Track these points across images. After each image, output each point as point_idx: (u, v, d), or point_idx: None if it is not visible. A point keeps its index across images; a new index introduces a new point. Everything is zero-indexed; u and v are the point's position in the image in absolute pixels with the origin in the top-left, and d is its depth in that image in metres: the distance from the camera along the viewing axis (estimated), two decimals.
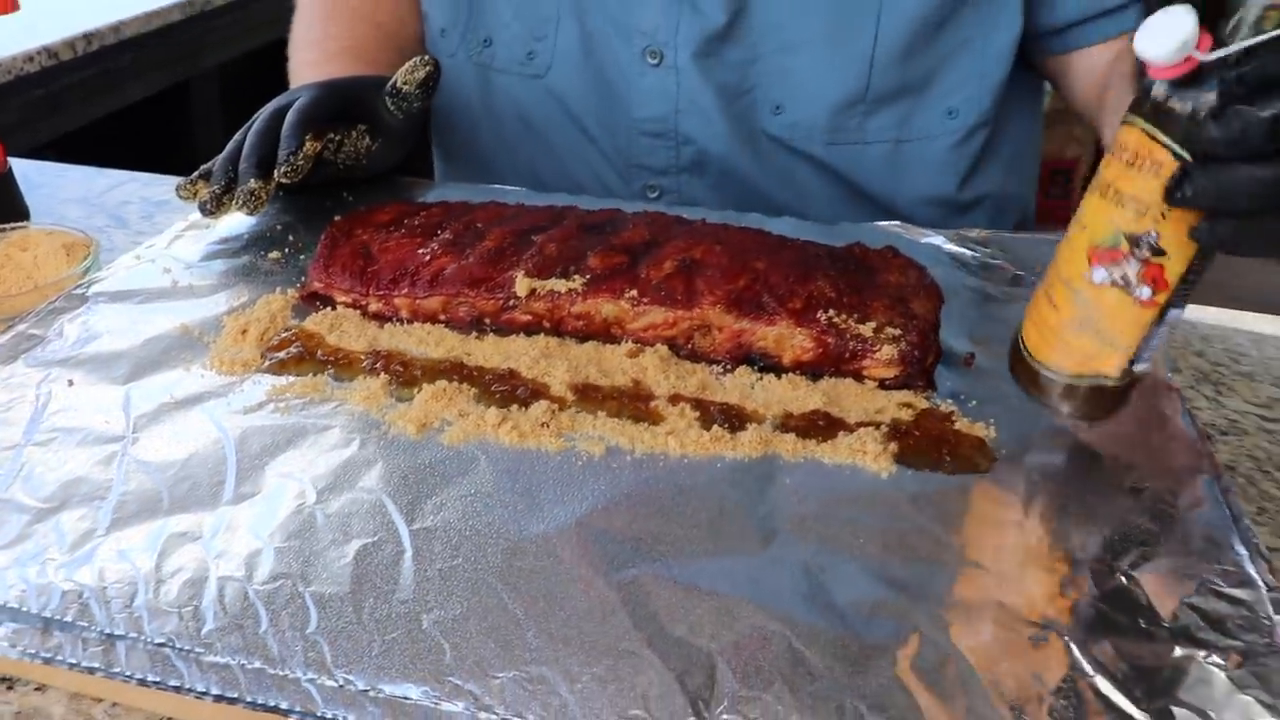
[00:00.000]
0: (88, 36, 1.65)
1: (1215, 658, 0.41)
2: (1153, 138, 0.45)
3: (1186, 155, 0.44)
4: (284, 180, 0.74)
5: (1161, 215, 0.46)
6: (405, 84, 0.82)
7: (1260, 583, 0.45)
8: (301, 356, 0.61)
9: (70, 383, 0.58)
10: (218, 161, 0.78)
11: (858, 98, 0.86)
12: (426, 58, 0.83)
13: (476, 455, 0.53)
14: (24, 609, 0.43)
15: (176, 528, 0.47)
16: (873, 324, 0.60)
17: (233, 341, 0.61)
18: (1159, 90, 0.45)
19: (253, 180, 0.73)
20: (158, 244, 0.74)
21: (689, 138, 0.89)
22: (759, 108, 0.88)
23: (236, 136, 0.79)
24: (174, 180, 1.03)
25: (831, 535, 0.48)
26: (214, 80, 2.06)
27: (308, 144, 0.75)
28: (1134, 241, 0.47)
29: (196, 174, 0.79)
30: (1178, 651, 0.42)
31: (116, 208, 0.98)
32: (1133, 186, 0.46)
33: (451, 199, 0.77)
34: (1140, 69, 0.45)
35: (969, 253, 0.76)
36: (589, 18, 0.89)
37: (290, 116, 0.75)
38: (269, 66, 2.38)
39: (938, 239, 0.77)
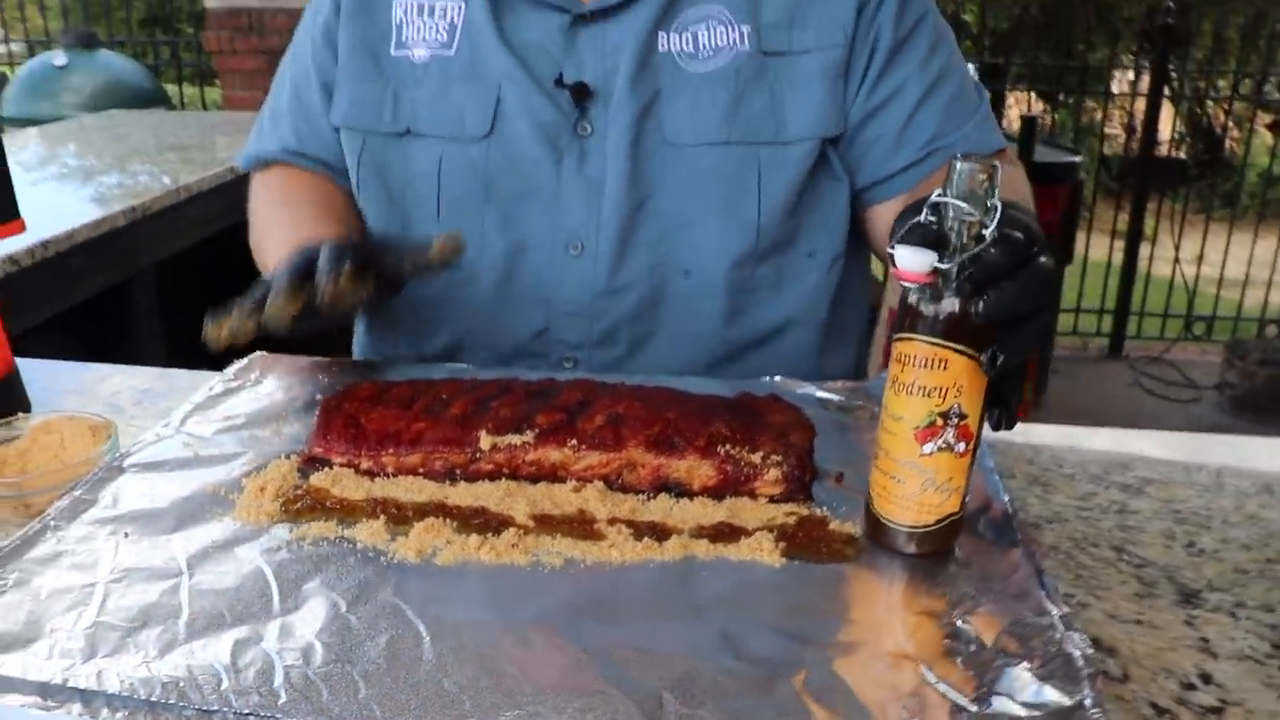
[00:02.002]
0: (45, 244, 1.80)
1: (1024, 663, 0.59)
2: (937, 345, 0.66)
3: (968, 350, 0.65)
4: (324, 300, 0.83)
5: (959, 391, 0.67)
6: (436, 258, 0.91)
7: (1053, 612, 0.63)
8: (313, 507, 0.76)
9: (126, 535, 0.72)
10: (242, 302, 0.87)
11: (749, 255, 1.07)
12: (458, 236, 0.92)
13: (465, 571, 0.68)
14: (133, 697, 0.56)
15: (241, 634, 0.61)
16: (760, 453, 0.78)
17: (254, 498, 0.76)
18: (926, 309, 0.66)
19: (286, 285, 0.83)
20: (171, 424, 0.89)
21: (603, 313, 1.08)
22: (670, 275, 1.07)
23: (258, 286, 0.88)
24: (154, 371, 1.19)
25: (740, 607, 0.65)
26: (150, 277, 2.22)
27: (348, 266, 0.84)
28: (945, 416, 0.68)
29: (218, 314, 0.87)
30: (997, 662, 0.59)
31: (110, 396, 1.12)
32: (933, 381, 0.67)
33: (409, 377, 0.94)
34: (903, 294, 0.66)
35: (835, 398, 0.96)
36: (514, 227, 1.08)
37: (326, 251, 0.86)
38: (198, 264, 2.56)
39: (810, 388, 0.97)
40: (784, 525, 0.74)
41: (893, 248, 0.66)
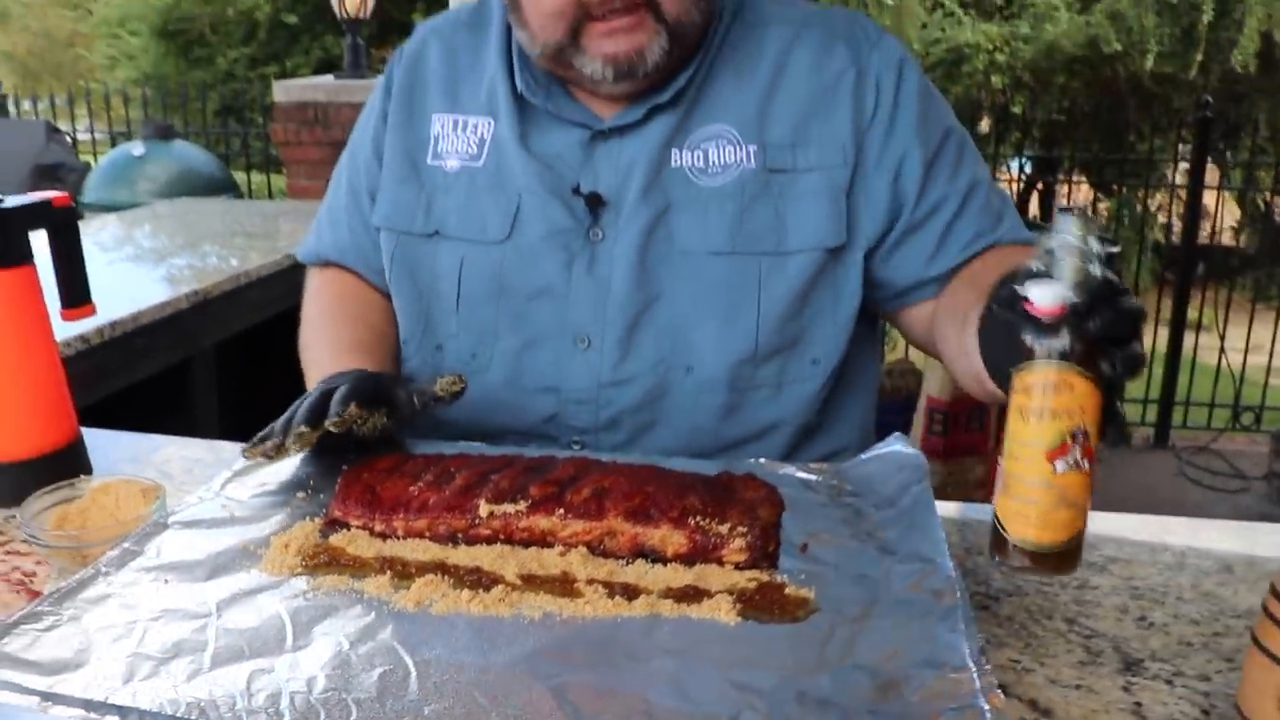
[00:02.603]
0: (113, 324, 1.96)
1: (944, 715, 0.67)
2: (1064, 370, 0.75)
3: (1088, 372, 0.74)
4: (330, 429, 0.98)
5: (1082, 411, 0.75)
6: (443, 392, 1.05)
7: (973, 670, 0.71)
8: (329, 562, 0.86)
9: (166, 581, 0.83)
10: (275, 427, 1.02)
11: (749, 356, 1.16)
12: (461, 377, 1.07)
13: (456, 620, 0.78)
14: (162, 713, 0.66)
15: (256, 666, 0.71)
16: (728, 525, 0.87)
17: (279, 553, 0.87)
18: (1049, 340, 0.74)
19: (304, 427, 0.99)
20: (212, 488, 1.00)
21: (609, 401, 1.18)
22: (672, 372, 1.16)
23: (288, 412, 1.03)
24: (202, 443, 1.31)
25: (692, 657, 0.73)
26: (210, 356, 2.37)
27: (352, 408, 0.99)
28: (1073, 435, 0.75)
29: (256, 439, 1.04)
30: (920, 712, 0.67)
31: (162, 464, 1.24)
32: (1061, 403, 0.75)
33: (429, 451, 1.05)
34: (1024, 326, 0.76)
35: (813, 477, 1.04)
36: (526, 325, 1.18)
37: (339, 394, 1.01)
38: (254, 345, 2.72)
39: (790, 469, 1.05)
40: (744, 589, 0.82)
41: (1024, 290, 0.76)
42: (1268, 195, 7.25)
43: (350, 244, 1.33)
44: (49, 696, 0.68)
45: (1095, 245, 0.74)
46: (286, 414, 1.04)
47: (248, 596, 0.81)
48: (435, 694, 0.68)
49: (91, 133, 6.03)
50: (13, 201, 1.15)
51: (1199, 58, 6.98)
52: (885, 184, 1.17)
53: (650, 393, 1.17)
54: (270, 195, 6.42)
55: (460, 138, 1.23)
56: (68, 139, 5.68)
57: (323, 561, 0.86)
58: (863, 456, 1.06)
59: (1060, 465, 0.76)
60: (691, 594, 0.82)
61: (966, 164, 1.20)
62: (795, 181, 1.15)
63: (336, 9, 4.89)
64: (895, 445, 1.04)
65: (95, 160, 5.78)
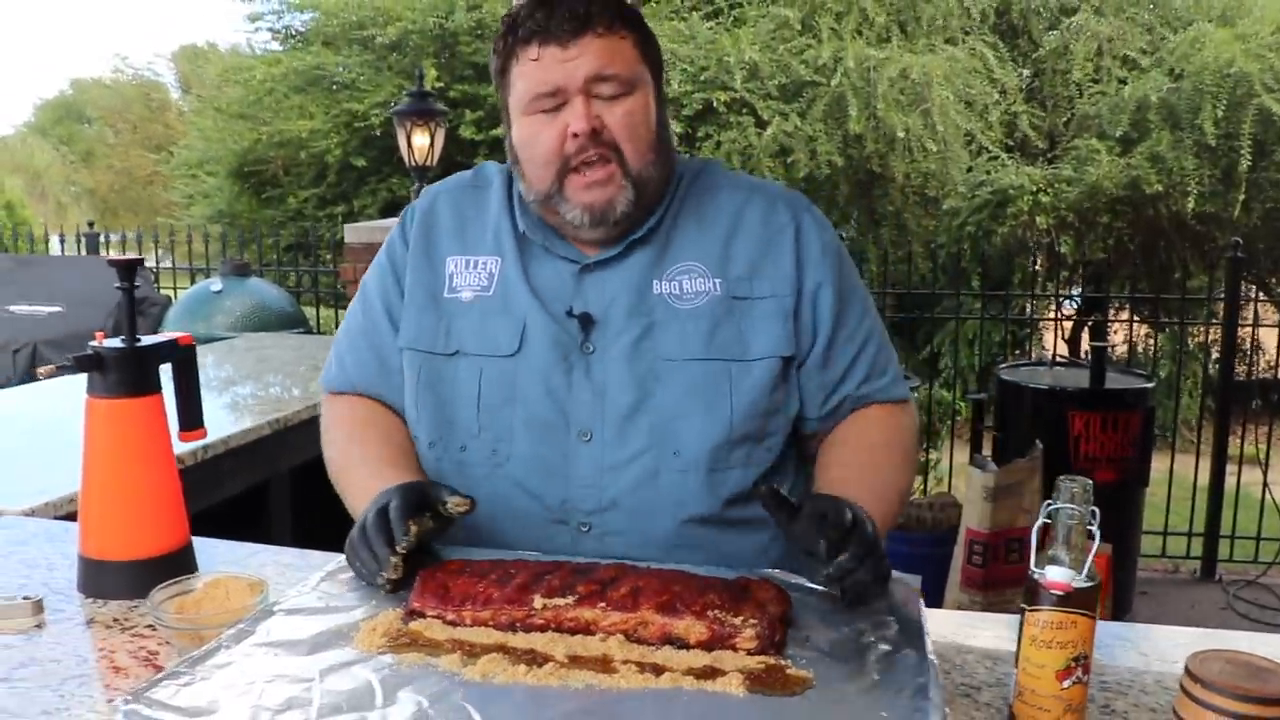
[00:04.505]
0: (205, 447, 2.18)
1: None
2: (1070, 613, 0.96)
3: (1086, 612, 0.97)
4: (402, 551, 1.17)
5: (1082, 641, 0.96)
6: (454, 510, 1.23)
7: None
8: (410, 643, 1.04)
9: (275, 654, 1.01)
10: (357, 546, 1.21)
11: (725, 440, 1.38)
12: (468, 499, 1.24)
13: (514, 688, 0.95)
14: None
15: (352, 717, 0.88)
16: (741, 617, 1.04)
17: (368, 635, 1.05)
18: (1055, 591, 0.96)
19: (395, 559, 1.17)
20: (310, 584, 1.19)
21: (610, 484, 1.37)
22: (663, 456, 1.37)
23: (355, 534, 1.23)
24: (291, 550, 1.50)
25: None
26: (286, 479, 2.58)
27: (412, 526, 1.19)
28: (1076, 659, 0.97)
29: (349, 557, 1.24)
30: None
31: (258, 568, 1.43)
32: (1067, 636, 0.96)
33: (491, 558, 1.23)
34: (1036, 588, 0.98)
35: (817, 587, 1.20)
36: (536, 424, 1.39)
37: (394, 511, 1.20)
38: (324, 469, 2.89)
39: (801, 580, 1.21)
40: (753, 669, 0.98)
41: (1040, 570, 0.99)
42: None
43: (375, 369, 1.53)
44: None
45: (1092, 509, 0.98)
46: (357, 530, 1.23)
47: (344, 667, 0.98)
48: None
49: (174, 267, 6.43)
50: (148, 340, 1.38)
51: (1241, 197, 7.17)
52: (809, 310, 1.44)
53: (644, 474, 1.37)
54: (337, 328, 6.75)
55: (471, 273, 1.47)
56: (150, 274, 6.07)
57: (404, 642, 1.04)
58: None
59: (1067, 682, 0.97)
60: (708, 672, 0.98)
61: (869, 317, 1.49)
62: (753, 306, 1.42)
63: (406, 157, 5.28)
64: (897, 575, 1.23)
65: (175, 294, 6.16)
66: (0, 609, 1.25)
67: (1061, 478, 0.99)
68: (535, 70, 1.36)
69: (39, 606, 1.27)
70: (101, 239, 7.10)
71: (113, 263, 1.37)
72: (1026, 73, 8.60)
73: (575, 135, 1.34)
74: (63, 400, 2.87)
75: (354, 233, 5.19)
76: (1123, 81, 7.86)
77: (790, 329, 1.42)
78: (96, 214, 20.75)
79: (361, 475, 1.40)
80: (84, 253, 6.86)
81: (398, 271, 1.52)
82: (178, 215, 13.04)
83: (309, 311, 6.18)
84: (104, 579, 1.34)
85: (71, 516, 1.83)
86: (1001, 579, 3.79)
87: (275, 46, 10.64)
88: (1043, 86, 8.46)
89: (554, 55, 1.34)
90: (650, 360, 1.39)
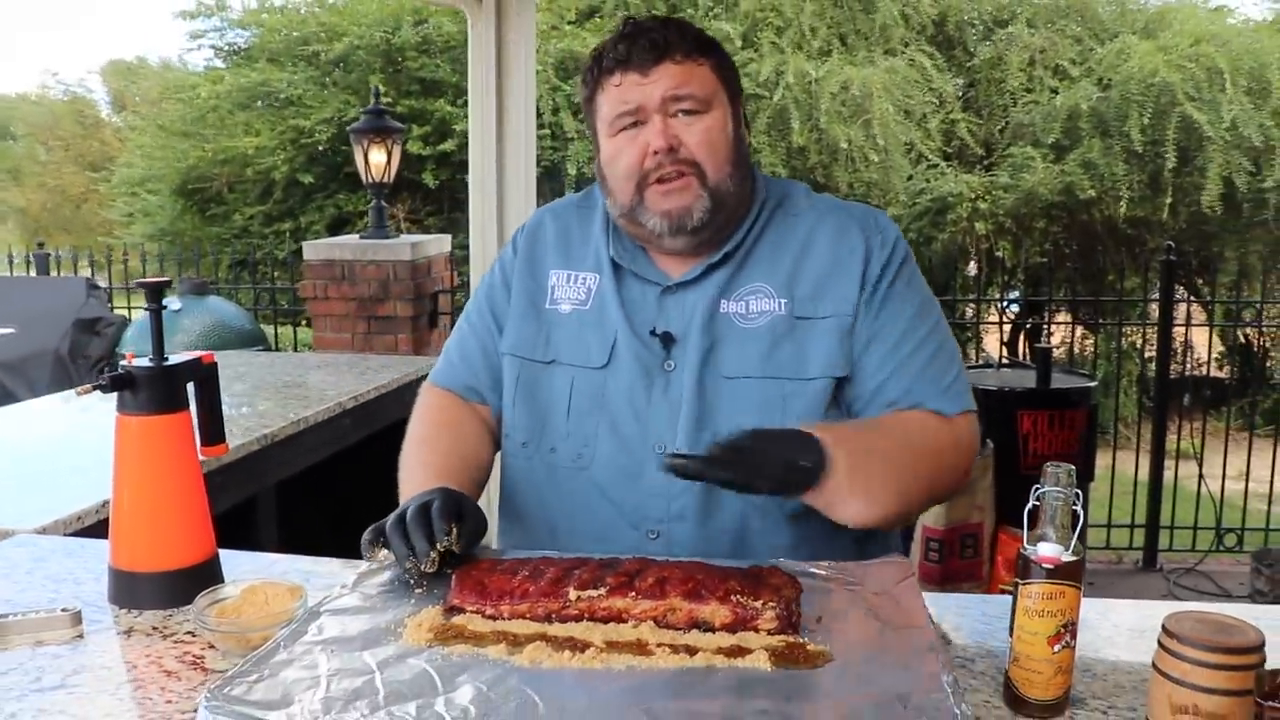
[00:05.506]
0: None
1: None
2: (1059, 584, 1.05)
3: (1074, 583, 1.06)
4: (440, 549, 1.24)
5: (1070, 609, 1.06)
6: (440, 545, 1.25)
7: (948, 689, 0.96)
8: (455, 636, 1.11)
9: (331, 651, 1.08)
10: (390, 539, 1.28)
11: None
12: (445, 551, 1.26)
13: (562, 673, 1.03)
14: None
15: (420, 703, 0.96)
16: (761, 600, 1.13)
17: (414, 630, 1.12)
18: (1045, 565, 1.06)
19: (432, 552, 1.24)
20: (348, 585, 1.26)
21: (678, 496, 1.46)
22: None
23: (393, 521, 1.29)
24: (308, 558, 1.56)
25: (740, 692, 0.98)
26: (273, 494, 2.63)
27: (453, 527, 1.27)
28: (1065, 626, 1.06)
29: (370, 540, 1.31)
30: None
31: (281, 575, 1.49)
32: (1057, 605, 1.05)
33: (518, 556, 1.31)
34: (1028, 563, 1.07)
35: (821, 572, 1.29)
36: (618, 431, 1.49)
37: (434, 512, 1.28)
38: (314, 485, 2.96)
39: (805, 565, 1.31)
40: (776, 647, 1.08)
41: (1031, 547, 1.08)
42: (1247, 330, 7.63)
43: (482, 368, 1.64)
44: None
45: (1075, 490, 1.08)
46: (395, 517, 1.30)
47: (399, 660, 1.06)
48: (560, 715, 0.93)
49: (127, 288, 6.37)
50: (175, 359, 1.44)
51: (1168, 201, 7.48)
52: (865, 325, 1.50)
53: (707, 489, 1.45)
54: (295, 347, 6.76)
55: (572, 287, 1.60)
56: (104, 294, 6.02)
57: (450, 635, 1.11)
58: (863, 562, 1.33)
59: (1058, 647, 1.07)
60: (736, 651, 1.07)
61: (923, 327, 1.53)
62: (814, 326, 1.50)
63: (363, 174, 5.31)
64: (889, 556, 1.33)
65: (129, 313, 6.11)
66: (41, 621, 1.30)
67: (1049, 464, 1.09)
68: (617, 93, 1.48)
69: (78, 618, 1.32)
70: (52, 258, 6.99)
71: (141, 284, 1.43)
72: (962, 82, 8.85)
73: (655, 152, 1.45)
74: (54, 420, 2.91)
75: (313, 250, 5.21)
76: (1054, 91, 8.14)
77: (848, 348, 1.48)
78: (28, 233, 20.30)
79: (419, 477, 1.49)
80: (33, 273, 6.77)
81: (507, 280, 1.65)
82: (117, 234, 12.82)
83: (267, 330, 6.17)
84: (137, 590, 1.39)
85: (80, 533, 1.88)
86: (957, 573, 3.94)
87: (218, 64, 10.55)
88: (979, 96, 8.72)
89: (634, 80, 1.47)
90: (714, 378, 1.48)
